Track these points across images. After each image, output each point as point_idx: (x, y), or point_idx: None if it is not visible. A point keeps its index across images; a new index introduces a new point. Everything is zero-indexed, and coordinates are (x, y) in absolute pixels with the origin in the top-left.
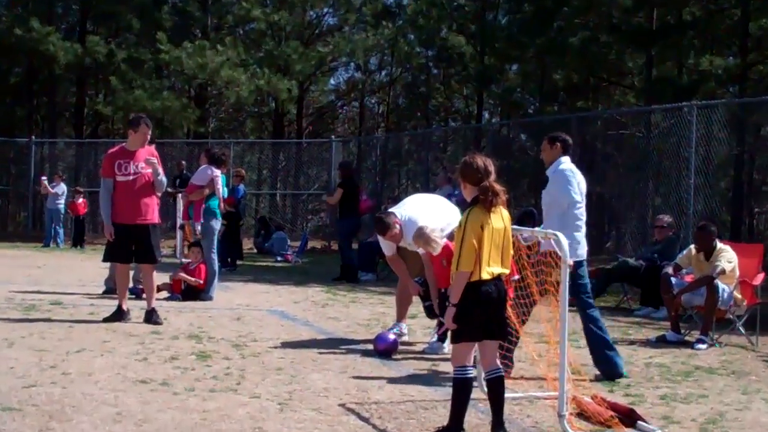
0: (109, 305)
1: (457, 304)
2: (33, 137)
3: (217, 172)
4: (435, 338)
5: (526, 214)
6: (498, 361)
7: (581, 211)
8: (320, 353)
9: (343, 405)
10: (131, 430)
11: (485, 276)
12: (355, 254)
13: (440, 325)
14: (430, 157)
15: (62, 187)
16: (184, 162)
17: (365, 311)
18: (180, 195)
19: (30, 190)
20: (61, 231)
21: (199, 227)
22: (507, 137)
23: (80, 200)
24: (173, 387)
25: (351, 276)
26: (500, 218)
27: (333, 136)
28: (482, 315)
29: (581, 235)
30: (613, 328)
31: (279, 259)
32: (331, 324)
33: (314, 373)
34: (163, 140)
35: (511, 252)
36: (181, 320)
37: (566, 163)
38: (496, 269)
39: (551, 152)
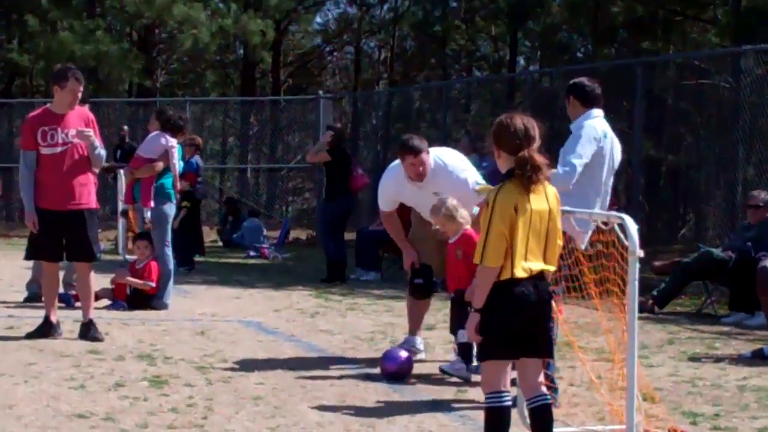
0: (34, 317)
1: (481, 309)
2: None
3: (173, 142)
4: (456, 356)
5: None
6: (543, 386)
7: (566, 175)
8: (311, 377)
9: None
10: None
11: (519, 273)
12: (345, 246)
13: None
14: (449, 117)
15: None
16: (126, 127)
17: (367, 322)
18: (122, 171)
19: None
20: None
21: (148, 214)
22: (548, 90)
23: None
24: (120, 423)
25: (338, 274)
26: (543, 198)
27: (320, 92)
28: (517, 324)
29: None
30: (694, 340)
31: (252, 254)
32: (324, 339)
33: (303, 403)
34: (99, 99)
35: (559, 243)
36: (127, 335)
37: (594, 119)
38: (536, 265)
39: (570, 107)
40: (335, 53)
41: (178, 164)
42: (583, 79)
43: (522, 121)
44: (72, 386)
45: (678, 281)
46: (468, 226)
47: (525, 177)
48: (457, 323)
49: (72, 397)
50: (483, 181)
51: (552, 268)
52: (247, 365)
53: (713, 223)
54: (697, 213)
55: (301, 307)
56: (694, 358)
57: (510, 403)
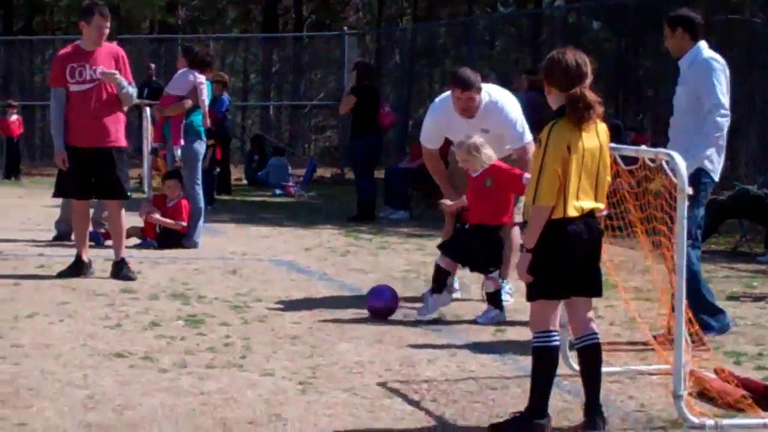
0: (64, 255)
1: (533, 249)
2: None
3: (201, 78)
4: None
5: (610, 129)
6: (593, 324)
7: (725, 121)
8: (346, 317)
9: (383, 384)
10: (110, 420)
11: (572, 212)
12: (375, 184)
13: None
14: (474, 54)
15: None
16: (153, 65)
17: (399, 260)
18: (148, 109)
19: None
20: None
21: (178, 152)
22: (575, 26)
23: (13, 117)
24: (159, 362)
25: (368, 213)
26: (594, 135)
27: (345, 28)
28: (569, 263)
29: (721, 154)
30: (731, 279)
31: (278, 192)
32: (357, 277)
33: (342, 342)
34: (121, 36)
35: (609, 180)
36: (159, 274)
37: (708, 50)
38: (587, 203)
39: (673, 40)
40: None
41: (207, 101)
42: (686, 10)
43: (574, 56)
44: (108, 325)
45: (713, 219)
46: (493, 158)
47: (577, 115)
48: (480, 262)
49: (108, 336)
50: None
51: (602, 206)
52: (282, 304)
53: (746, 161)
54: (730, 150)
55: (331, 246)
56: (732, 297)
57: (558, 343)
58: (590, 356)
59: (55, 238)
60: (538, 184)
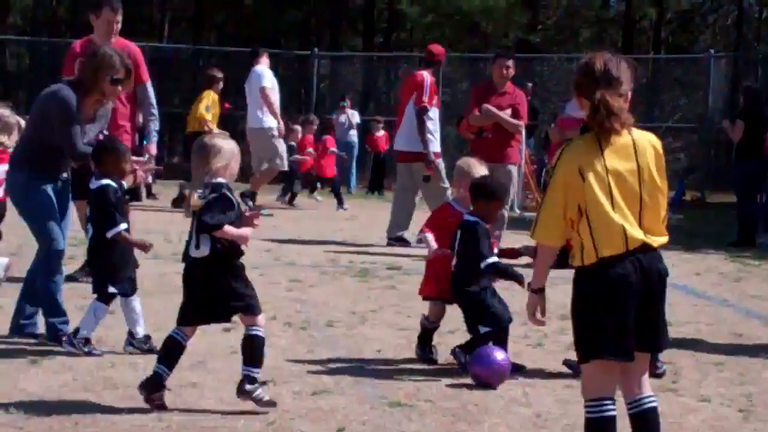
0: None
1: (572, 300)
2: (316, 50)
3: None
4: None
5: None
6: (647, 386)
7: None
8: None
9: None
10: None
11: (608, 251)
12: (757, 208)
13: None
14: None
15: (353, 114)
16: (530, 84)
17: None
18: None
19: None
20: (353, 172)
21: None
22: None
23: (380, 132)
24: None
25: (748, 238)
26: (629, 154)
27: (712, 51)
28: (615, 314)
29: None
30: None
31: None
32: (758, 304)
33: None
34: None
35: (663, 203)
36: None
37: None
38: (633, 236)
39: None
40: (717, 11)
41: None
42: None
43: (603, 59)
44: (529, 344)
45: None
46: None
47: (598, 125)
48: None
49: (534, 356)
50: None
51: (659, 239)
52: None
53: None
54: None
55: (722, 271)
56: None
57: (614, 413)
58: (646, 423)
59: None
60: (536, 217)
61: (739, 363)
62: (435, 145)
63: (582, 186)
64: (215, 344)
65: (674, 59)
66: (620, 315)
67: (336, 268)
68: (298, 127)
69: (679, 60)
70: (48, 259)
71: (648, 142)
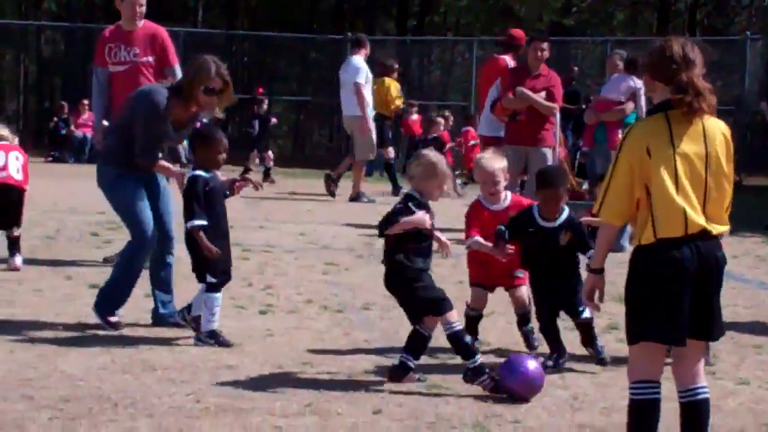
0: None
1: (627, 278)
2: (349, 34)
3: (640, 83)
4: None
5: None
6: (701, 376)
7: None
8: None
9: None
10: (600, 422)
11: (667, 233)
12: None
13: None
14: None
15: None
16: (576, 68)
17: None
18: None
19: None
20: None
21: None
22: None
23: (414, 116)
24: None
25: None
26: (699, 138)
27: (748, 33)
28: (670, 298)
29: None
30: None
31: None
32: None
33: None
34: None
35: (729, 191)
36: None
37: None
38: (694, 221)
39: None
40: None
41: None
42: None
43: (679, 44)
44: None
45: None
46: None
47: (685, 104)
48: None
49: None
50: None
51: (720, 228)
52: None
53: None
54: None
55: (759, 254)
56: None
57: (658, 395)
58: (697, 414)
59: None
60: (603, 195)
61: None
62: None
63: (649, 165)
64: (253, 327)
65: (710, 41)
66: (672, 299)
67: (371, 252)
68: None
69: (715, 42)
70: (139, 248)
71: (718, 129)
